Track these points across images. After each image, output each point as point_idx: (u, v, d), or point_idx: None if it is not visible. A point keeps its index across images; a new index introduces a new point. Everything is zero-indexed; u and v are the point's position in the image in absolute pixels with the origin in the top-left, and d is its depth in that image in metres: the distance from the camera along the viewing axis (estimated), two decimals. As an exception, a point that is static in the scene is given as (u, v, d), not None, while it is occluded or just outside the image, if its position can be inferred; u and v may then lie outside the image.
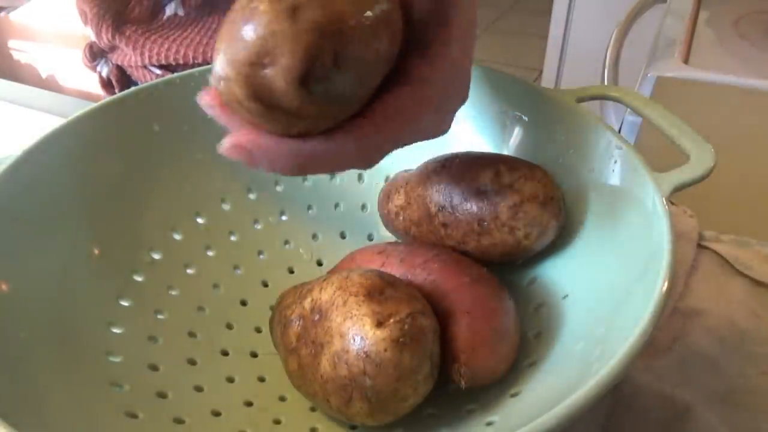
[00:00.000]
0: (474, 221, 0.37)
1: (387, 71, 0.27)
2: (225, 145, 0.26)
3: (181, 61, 0.57)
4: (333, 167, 0.27)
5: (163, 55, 0.57)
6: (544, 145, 0.41)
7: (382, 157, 0.28)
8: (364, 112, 0.27)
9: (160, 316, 0.39)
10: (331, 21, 0.23)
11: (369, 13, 0.24)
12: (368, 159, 0.28)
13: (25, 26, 1.90)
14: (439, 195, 0.38)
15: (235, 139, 0.26)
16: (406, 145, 0.29)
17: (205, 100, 0.27)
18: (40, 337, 0.33)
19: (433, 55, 0.27)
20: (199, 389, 0.37)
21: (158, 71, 0.59)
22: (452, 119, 0.31)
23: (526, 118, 0.42)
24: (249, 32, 0.23)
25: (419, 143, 0.30)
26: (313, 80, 0.24)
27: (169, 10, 0.57)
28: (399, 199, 0.41)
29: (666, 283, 0.28)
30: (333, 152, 0.26)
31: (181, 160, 0.44)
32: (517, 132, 0.42)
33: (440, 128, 0.30)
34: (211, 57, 0.55)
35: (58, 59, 1.90)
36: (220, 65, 0.24)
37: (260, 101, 0.24)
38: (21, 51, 1.96)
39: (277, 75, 0.23)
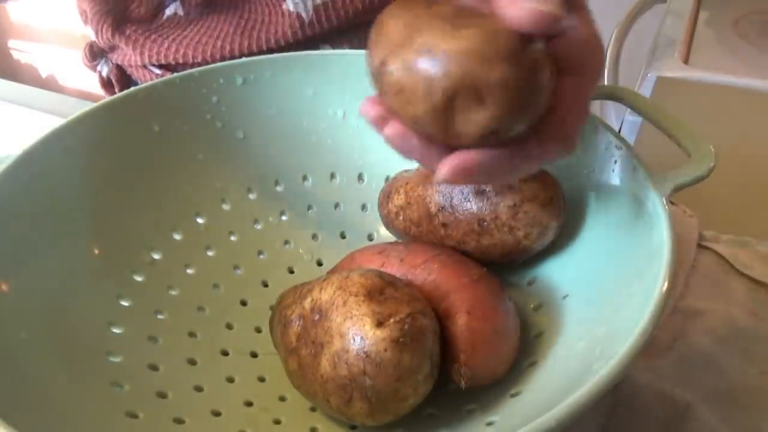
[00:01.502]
0: (474, 221, 0.37)
1: None
2: (442, 172, 0.26)
3: (180, 61, 0.57)
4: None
5: (163, 54, 0.57)
6: (544, 145, 0.41)
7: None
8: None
9: (160, 316, 0.39)
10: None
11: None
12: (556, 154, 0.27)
13: (25, 26, 1.90)
14: (439, 195, 0.38)
15: (451, 163, 0.26)
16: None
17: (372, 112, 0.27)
18: (40, 337, 0.33)
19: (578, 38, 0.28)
20: (199, 389, 0.37)
21: (158, 71, 0.59)
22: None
23: (526, 118, 0.42)
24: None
25: None
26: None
27: (170, 10, 0.57)
28: (399, 199, 0.41)
29: (666, 283, 0.28)
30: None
31: (181, 160, 0.44)
32: (517, 132, 0.42)
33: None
34: (211, 56, 0.55)
35: (58, 59, 1.90)
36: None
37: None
38: (21, 51, 1.96)
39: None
